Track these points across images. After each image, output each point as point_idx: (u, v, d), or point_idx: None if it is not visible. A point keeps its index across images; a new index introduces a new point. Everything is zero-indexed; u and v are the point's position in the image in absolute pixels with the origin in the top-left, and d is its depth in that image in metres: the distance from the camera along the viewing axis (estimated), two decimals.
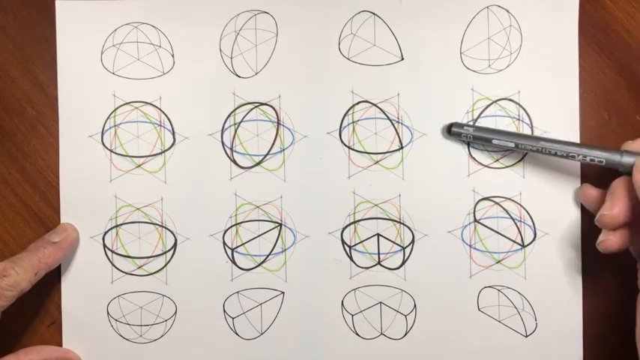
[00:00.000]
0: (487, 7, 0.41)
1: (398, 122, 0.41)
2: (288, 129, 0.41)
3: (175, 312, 0.41)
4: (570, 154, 0.37)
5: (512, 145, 0.38)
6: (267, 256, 0.41)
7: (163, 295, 0.41)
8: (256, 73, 0.41)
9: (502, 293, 0.41)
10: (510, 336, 0.41)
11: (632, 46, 0.41)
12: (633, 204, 0.35)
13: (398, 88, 0.41)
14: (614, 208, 0.35)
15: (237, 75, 0.41)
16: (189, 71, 0.41)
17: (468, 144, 0.41)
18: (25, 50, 0.42)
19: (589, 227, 0.40)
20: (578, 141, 0.40)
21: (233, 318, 0.41)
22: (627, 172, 0.36)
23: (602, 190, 0.38)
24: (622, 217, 0.35)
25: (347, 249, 0.41)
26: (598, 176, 0.40)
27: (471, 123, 0.41)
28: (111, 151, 0.41)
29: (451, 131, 0.40)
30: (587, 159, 0.37)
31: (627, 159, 0.36)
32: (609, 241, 0.36)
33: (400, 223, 0.41)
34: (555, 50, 0.41)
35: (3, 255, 0.41)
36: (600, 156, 0.36)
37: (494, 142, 0.39)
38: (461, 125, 0.40)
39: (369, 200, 0.41)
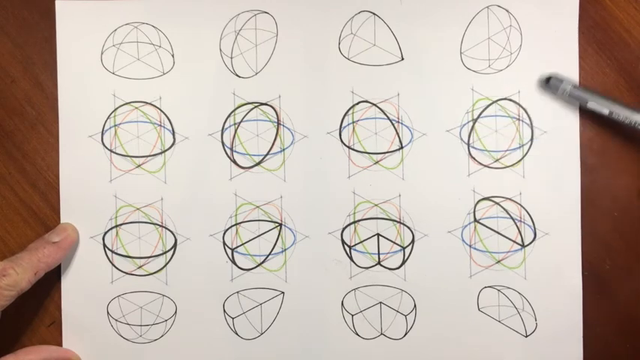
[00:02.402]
0: (487, 7, 0.41)
1: (398, 122, 0.41)
2: (288, 129, 0.41)
3: (175, 312, 0.41)
4: None
5: (607, 112, 0.38)
6: (267, 256, 0.41)
7: (163, 295, 0.41)
8: (256, 73, 0.41)
9: (502, 293, 0.41)
10: (510, 336, 0.41)
11: (632, 46, 0.41)
12: None
13: (398, 88, 0.41)
14: None
15: (237, 75, 0.41)
16: (189, 71, 0.41)
17: (468, 144, 0.41)
18: (25, 50, 0.42)
19: (589, 227, 0.40)
20: (578, 146, 0.40)
21: (233, 318, 0.41)
22: None
23: None
24: None
25: (347, 249, 0.41)
26: (592, 188, 0.40)
27: (471, 123, 0.41)
28: (111, 151, 0.41)
29: (549, 83, 0.39)
30: None
31: None
32: None
33: (400, 223, 0.41)
34: (555, 50, 0.41)
35: (3, 255, 0.41)
36: None
37: (589, 105, 0.38)
38: (560, 79, 0.39)
39: (369, 200, 0.41)
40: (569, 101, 0.40)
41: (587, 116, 0.41)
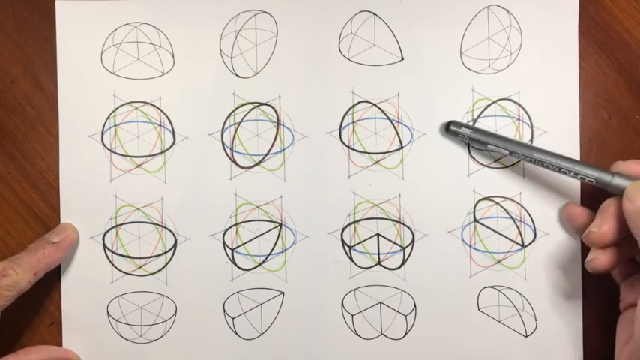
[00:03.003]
0: (487, 7, 0.41)
1: (398, 122, 0.41)
2: (288, 129, 0.41)
3: (175, 312, 0.41)
4: (562, 169, 0.37)
5: (507, 152, 0.38)
6: (267, 256, 0.41)
7: (163, 295, 0.41)
8: (256, 73, 0.41)
9: (502, 293, 0.41)
10: (510, 336, 0.41)
11: (632, 46, 0.41)
12: (622, 225, 0.34)
13: (398, 88, 0.41)
14: (603, 226, 0.35)
15: (237, 75, 0.41)
16: (189, 71, 0.41)
17: (468, 144, 0.41)
18: (25, 50, 0.42)
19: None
20: (578, 146, 0.40)
21: (233, 318, 0.41)
22: (618, 194, 0.35)
23: (586, 209, 0.39)
24: (610, 235, 0.35)
25: (347, 249, 0.41)
26: (593, 189, 0.40)
27: (471, 123, 0.41)
28: (111, 151, 0.41)
29: (449, 129, 0.40)
30: (578, 177, 0.36)
31: (618, 181, 0.35)
32: (598, 260, 0.35)
33: (400, 223, 0.41)
34: (555, 50, 0.41)
35: (3, 255, 0.41)
36: (591, 175, 0.36)
37: (489, 147, 0.39)
38: (459, 125, 0.40)
39: (369, 200, 0.41)
40: (472, 143, 0.40)
41: (588, 116, 0.41)
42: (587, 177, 0.36)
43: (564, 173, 0.37)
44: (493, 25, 0.41)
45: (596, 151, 0.41)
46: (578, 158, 0.40)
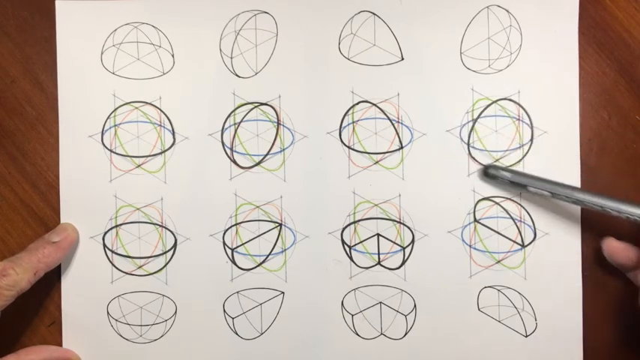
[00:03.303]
0: (487, 7, 0.41)
1: (398, 122, 0.41)
2: (288, 129, 0.41)
3: (175, 312, 0.41)
4: (606, 209, 0.37)
5: (549, 194, 0.38)
6: (267, 256, 0.41)
7: (163, 295, 0.41)
8: (256, 73, 0.41)
9: (502, 293, 0.41)
10: (510, 336, 0.41)
11: (632, 46, 0.41)
12: None
13: (398, 88, 0.41)
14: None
15: (237, 75, 0.41)
16: (189, 71, 0.41)
17: (468, 144, 0.41)
18: (25, 50, 0.42)
19: (589, 227, 0.40)
20: (578, 146, 0.40)
21: (233, 318, 0.41)
22: None
23: (626, 245, 0.38)
24: None
25: (347, 249, 0.41)
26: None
27: (470, 123, 0.41)
28: (111, 151, 0.41)
29: (487, 173, 0.40)
30: (624, 216, 0.36)
31: None
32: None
33: (400, 223, 0.41)
34: (555, 50, 0.41)
35: (3, 255, 0.41)
36: (636, 213, 0.36)
37: (530, 189, 0.38)
38: (497, 168, 0.40)
39: (369, 200, 0.41)
40: (510, 188, 0.40)
41: (588, 116, 0.41)
42: (632, 215, 0.36)
43: (608, 213, 0.37)
44: (493, 25, 0.41)
45: (596, 151, 0.41)
46: (578, 158, 0.40)
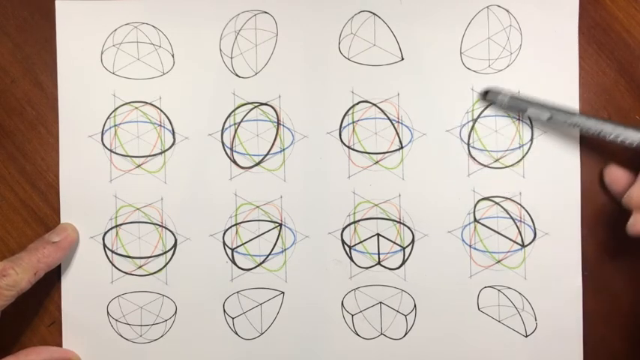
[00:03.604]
0: (487, 7, 0.41)
1: (398, 122, 0.41)
2: (288, 129, 0.41)
3: (175, 312, 0.41)
4: (602, 134, 0.36)
5: (547, 116, 0.38)
6: (267, 256, 0.41)
7: (163, 295, 0.41)
8: (256, 73, 0.41)
9: (502, 293, 0.41)
10: (510, 336, 0.41)
11: (632, 46, 0.41)
12: None
13: (398, 88, 0.41)
14: None
15: (237, 75, 0.41)
16: (189, 71, 0.41)
17: (468, 144, 0.41)
18: (25, 50, 0.42)
19: (589, 227, 0.40)
20: (578, 146, 0.40)
21: (233, 318, 0.41)
22: None
23: (627, 172, 0.38)
24: None
25: (347, 249, 0.41)
26: (594, 188, 0.40)
27: (470, 123, 0.41)
28: (111, 151, 0.41)
29: (486, 97, 0.40)
30: (619, 139, 0.36)
31: None
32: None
33: (400, 223, 0.41)
34: (555, 50, 0.41)
35: (3, 255, 0.41)
36: (633, 137, 0.36)
37: (529, 112, 0.38)
38: (497, 93, 0.39)
39: (369, 200, 0.41)
40: (509, 110, 0.40)
41: None
42: (628, 139, 0.36)
43: (603, 138, 0.36)
44: (493, 25, 0.41)
45: (596, 151, 0.41)
46: (578, 158, 0.40)
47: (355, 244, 0.41)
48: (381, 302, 0.41)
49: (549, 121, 0.38)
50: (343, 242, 0.41)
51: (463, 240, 0.41)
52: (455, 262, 0.41)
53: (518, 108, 0.39)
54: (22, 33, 0.42)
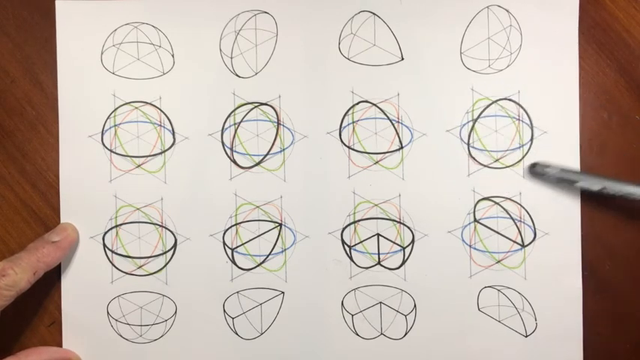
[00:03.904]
0: (487, 7, 0.41)
1: (398, 122, 0.41)
2: (288, 129, 0.41)
3: (175, 312, 0.41)
4: None
5: (600, 187, 0.38)
6: (267, 256, 0.41)
7: (163, 295, 0.41)
8: (256, 73, 0.41)
9: (502, 293, 0.41)
10: (510, 336, 0.41)
11: (632, 46, 0.41)
12: None
13: (398, 88, 0.41)
14: None
15: (237, 75, 0.41)
16: (189, 71, 0.41)
17: (468, 144, 0.41)
18: (25, 50, 0.42)
19: (589, 227, 0.40)
20: (577, 146, 0.40)
21: (233, 318, 0.41)
22: None
23: None
24: None
25: (347, 249, 0.41)
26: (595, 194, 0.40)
27: (470, 123, 0.41)
28: (111, 151, 0.41)
29: (533, 170, 0.40)
30: None
31: None
32: None
33: (400, 223, 0.41)
34: (555, 50, 0.41)
35: (3, 255, 0.41)
36: None
37: (580, 183, 0.38)
38: (544, 165, 0.39)
39: (369, 200, 0.41)
40: (559, 183, 0.40)
41: (588, 116, 0.41)
42: None
43: None
44: (493, 25, 0.41)
45: (596, 151, 0.41)
46: (578, 158, 0.40)
47: (355, 244, 0.41)
48: (381, 302, 0.41)
49: (602, 191, 0.38)
50: (343, 242, 0.41)
51: (463, 240, 0.41)
52: (455, 262, 0.41)
53: (568, 180, 0.39)
54: (21, 33, 0.42)
